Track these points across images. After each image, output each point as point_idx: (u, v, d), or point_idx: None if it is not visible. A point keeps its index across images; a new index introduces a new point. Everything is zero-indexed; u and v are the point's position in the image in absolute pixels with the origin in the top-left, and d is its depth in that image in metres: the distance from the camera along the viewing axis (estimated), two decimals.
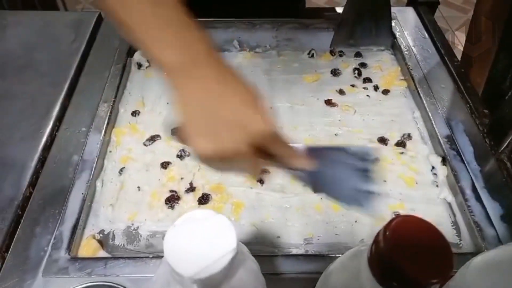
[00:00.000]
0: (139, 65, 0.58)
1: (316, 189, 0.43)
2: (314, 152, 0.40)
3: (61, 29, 0.62)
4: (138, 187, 0.45)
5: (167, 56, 0.31)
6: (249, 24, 0.64)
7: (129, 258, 0.38)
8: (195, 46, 0.32)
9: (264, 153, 0.35)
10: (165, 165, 0.46)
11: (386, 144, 0.49)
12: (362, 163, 0.41)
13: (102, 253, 0.39)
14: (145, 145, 0.49)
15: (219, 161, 0.35)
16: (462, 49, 0.74)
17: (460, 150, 0.46)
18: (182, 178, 0.45)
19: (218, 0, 0.63)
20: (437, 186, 0.45)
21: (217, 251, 0.20)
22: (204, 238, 0.20)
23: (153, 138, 0.49)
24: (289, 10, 0.67)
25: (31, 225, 0.40)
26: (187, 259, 0.19)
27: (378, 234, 0.20)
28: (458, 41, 1.85)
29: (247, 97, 0.33)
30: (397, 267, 0.18)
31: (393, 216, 0.36)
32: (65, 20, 0.64)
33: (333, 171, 0.40)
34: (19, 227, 0.40)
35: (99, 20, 0.64)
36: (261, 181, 0.45)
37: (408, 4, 0.70)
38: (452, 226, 0.42)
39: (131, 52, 0.59)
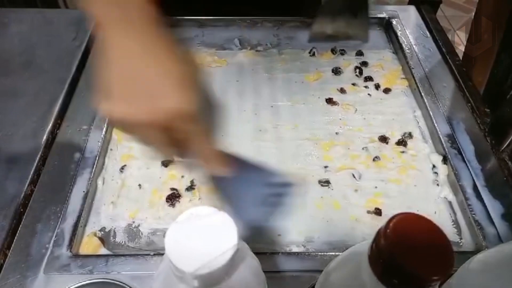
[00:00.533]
0: None
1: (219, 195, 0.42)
2: (234, 160, 0.38)
3: (63, 26, 0.62)
4: (139, 185, 0.45)
5: (99, 7, 0.29)
6: (250, 23, 0.64)
7: (130, 255, 0.38)
8: (134, 5, 0.30)
9: (179, 142, 0.32)
10: (166, 163, 0.47)
11: (387, 143, 0.49)
12: (280, 190, 0.43)
13: (103, 251, 0.39)
14: None
15: (130, 129, 0.32)
16: (463, 48, 0.74)
17: (461, 149, 0.46)
18: (182, 176, 0.45)
19: None
20: (437, 185, 0.45)
21: (219, 247, 0.20)
22: (205, 234, 0.20)
23: None
24: (290, 9, 0.67)
25: (33, 222, 0.40)
26: (188, 255, 0.19)
27: (378, 231, 0.20)
28: (460, 41, 1.84)
29: (174, 71, 0.30)
30: (398, 264, 0.18)
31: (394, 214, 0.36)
32: (66, 18, 0.64)
33: (246, 188, 0.41)
34: (21, 224, 0.40)
35: None
36: None
37: (410, 3, 0.70)
38: (452, 225, 0.42)
39: None
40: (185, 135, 0.32)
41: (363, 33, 0.62)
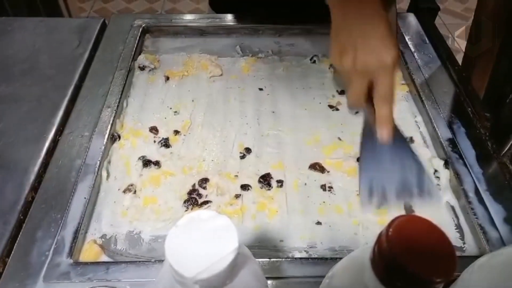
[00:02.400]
0: (142, 68, 0.59)
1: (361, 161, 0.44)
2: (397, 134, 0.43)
3: (66, 34, 0.63)
4: (141, 191, 0.45)
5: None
6: (252, 30, 0.65)
7: (131, 262, 0.38)
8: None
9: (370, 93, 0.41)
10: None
11: None
12: (420, 174, 0.41)
13: (103, 258, 0.39)
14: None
15: (346, 75, 0.42)
16: (463, 54, 0.74)
17: (462, 153, 0.46)
18: (185, 183, 0.45)
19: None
20: (440, 189, 0.45)
21: (219, 251, 0.20)
22: (206, 238, 0.20)
23: (160, 143, 0.49)
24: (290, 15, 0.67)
25: (33, 229, 0.40)
26: (188, 259, 0.19)
27: (380, 234, 0.20)
28: (459, 48, 1.86)
29: (390, 35, 0.39)
30: (400, 267, 0.18)
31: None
32: (70, 26, 0.64)
33: (392, 162, 0.42)
34: (21, 231, 0.40)
35: (104, 26, 0.65)
36: (267, 183, 0.45)
37: (409, 10, 0.70)
38: (455, 229, 0.42)
39: (135, 56, 0.59)
40: (379, 87, 0.40)
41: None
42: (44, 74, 0.56)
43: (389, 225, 0.19)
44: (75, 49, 0.60)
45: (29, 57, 0.58)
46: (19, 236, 0.39)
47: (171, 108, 0.54)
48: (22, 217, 0.41)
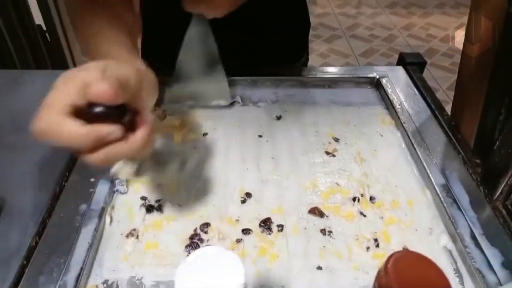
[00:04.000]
0: None
1: None
2: None
3: None
4: (144, 236, 0.45)
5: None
6: (251, 82, 0.69)
7: None
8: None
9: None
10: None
11: (385, 192, 0.51)
12: None
13: None
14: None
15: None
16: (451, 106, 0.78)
17: (456, 198, 0.48)
18: (186, 227, 0.46)
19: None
20: (436, 233, 0.46)
21: (226, 286, 0.20)
22: (213, 273, 0.21)
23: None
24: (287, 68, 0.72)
25: (35, 274, 0.40)
26: None
27: (379, 271, 0.21)
28: (449, 99, 1.94)
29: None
30: None
31: None
32: None
33: None
34: (23, 277, 0.40)
35: None
36: (268, 228, 0.46)
37: (398, 64, 0.76)
38: (454, 273, 0.42)
39: None
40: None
41: (225, 94, 0.64)
42: None
43: (387, 261, 0.21)
44: None
45: (38, 108, 0.61)
46: (22, 281, 0.39)
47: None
48: (25, 262, 0.41)
